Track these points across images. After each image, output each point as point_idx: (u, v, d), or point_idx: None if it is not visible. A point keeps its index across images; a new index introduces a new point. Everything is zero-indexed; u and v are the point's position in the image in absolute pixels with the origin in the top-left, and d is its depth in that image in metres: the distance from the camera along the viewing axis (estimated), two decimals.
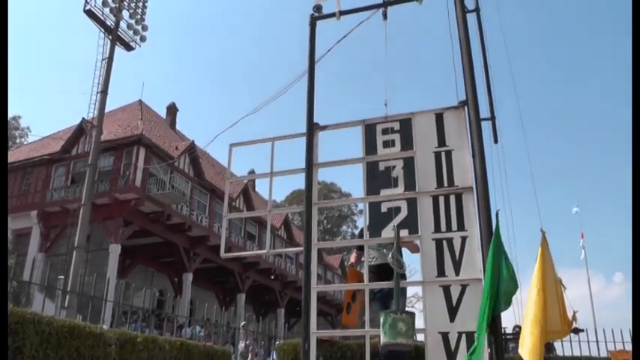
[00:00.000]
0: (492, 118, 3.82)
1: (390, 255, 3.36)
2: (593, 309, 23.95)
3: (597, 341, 8.24)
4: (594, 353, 8.06)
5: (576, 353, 7.74)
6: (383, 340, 3.10)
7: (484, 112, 3.77)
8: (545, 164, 57.42)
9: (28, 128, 42.97)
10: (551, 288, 4.05)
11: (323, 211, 47.94)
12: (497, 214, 3.92)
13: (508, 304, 4.01)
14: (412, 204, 3.60)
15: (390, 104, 3.88)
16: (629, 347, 7.60)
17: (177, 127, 32.81)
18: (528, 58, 68.20)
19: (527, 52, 67.60)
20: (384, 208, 3.67)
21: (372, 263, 4.78)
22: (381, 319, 3.13)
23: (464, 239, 3.41)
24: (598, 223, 61.98)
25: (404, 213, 3.60)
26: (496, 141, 3.86)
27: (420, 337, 3.55)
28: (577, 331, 7.02)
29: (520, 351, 3.52)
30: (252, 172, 35.52)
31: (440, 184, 3.59)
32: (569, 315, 4.06)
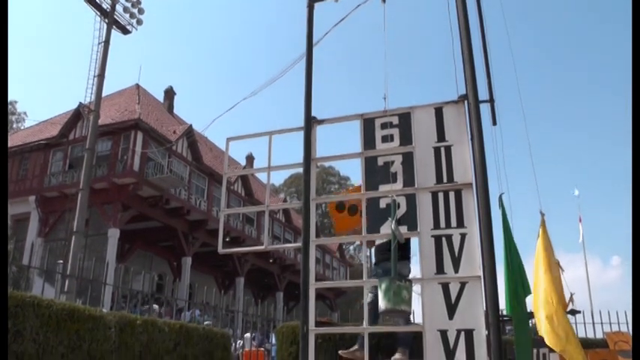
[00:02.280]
0: (491, 100, 3.78)
1: (392, 225, 3.36)
2: (590, 292, 24.11)
3: (594, 323, 8.35)
4: (590, 335, 8.16)
5: None
6: (386, 306, 3.11)
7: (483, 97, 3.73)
8: (543, 148, 57.39)
9: (24, 113, 42.64)
10: (551, 269, 4.08)
11: (321, 194, 48.02)
12: (500, 198, 3.91)
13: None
14: (411, 200, 3.57)
15: (390, 92, 3.84)
16: (624, 329, 7.68)
17: (175, 111, 32.68)
18: (528, 43, 67.77)
19: (526, 38, 67.13)
20: (382, 204, 3.64)
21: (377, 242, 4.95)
22: (384, 285, 3.14)
23: (463, 236, 3.37)
24: (595, 207, 62.16)
25: (403, 209, 3.57)
26: (495, 123, 3.83)
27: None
28: (574, 312, 7.09)
29: (548, 341, 3.55)
30: (249, 156, 35.52)
31: (439, 179, 3.55)
32: (567, 297, 4.09)
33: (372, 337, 3.53)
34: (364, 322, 3.56)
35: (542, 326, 3.59)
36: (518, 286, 3.95)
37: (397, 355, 4.50)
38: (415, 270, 4.22)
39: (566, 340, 3.44)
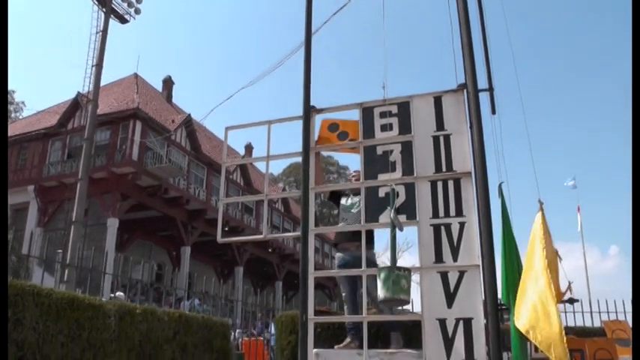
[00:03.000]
0: (490, 89, 3.75)
1: (391, 214, 3.36)
2: (588, 281, 24.28)
3: (591, 312, 8.38)
4: (588, 323, 8.21)
5: (571, 323, 7.89)
6: (385, 295, 3.12)
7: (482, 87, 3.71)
8: (542, 141, 57.31)
9: (22, 103, 42.46)
10: (549, 255, 4.06)
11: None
12: (500, 187, 3.89)
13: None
14: (410, 189, 3.56)
15: (389, 81, 3.81)
16: (622, 317, 7.71)
17: (174, 100, 32.58)
18: (528, 37, 67.53)
19: (525, 33, 66.88)
20: (381, 193, 3.64)
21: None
22: (383, 275, 3.15)
23: (462, 225, 3.37)
24: (594, 197, 62.21)
25: (402, 198, 3.56)
26: (494, 112, 3.81)
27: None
28: (572, 301, 7.11)
29: (517, 323, 3.48)
30: (248, 145, 35.49)
31: (438, 168, 3.54)
32: (564, 286, 4.08)
33: (368, 326, 3.52)
34: (363, 312, 3.55)
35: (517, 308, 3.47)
36: (516, 275, 3.94)
37: (393, 345, 4.49)
38: (414, 259, 4.22)
39: (541, 322, 3.25)
